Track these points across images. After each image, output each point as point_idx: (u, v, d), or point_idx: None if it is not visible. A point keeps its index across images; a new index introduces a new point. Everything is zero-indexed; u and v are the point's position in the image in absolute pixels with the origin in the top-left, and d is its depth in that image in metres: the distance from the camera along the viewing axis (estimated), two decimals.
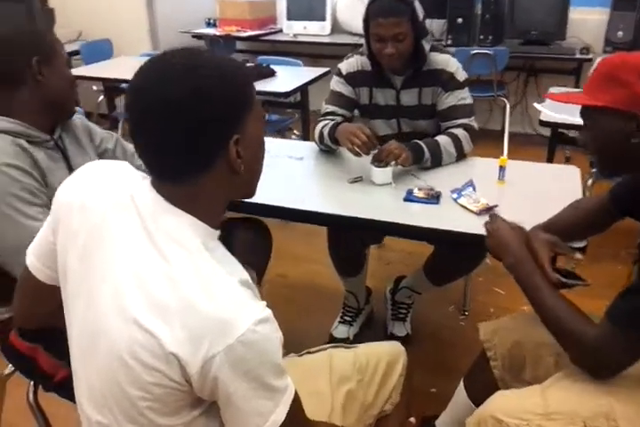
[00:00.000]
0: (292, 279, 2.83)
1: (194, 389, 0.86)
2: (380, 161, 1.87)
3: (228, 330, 0.82)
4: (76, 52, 4.46)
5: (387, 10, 1.90)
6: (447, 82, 2.06)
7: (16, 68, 1.40)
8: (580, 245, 1.50)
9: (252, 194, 1.02)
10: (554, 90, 2.94)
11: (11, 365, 1.58)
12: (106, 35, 4.66)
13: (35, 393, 1.60)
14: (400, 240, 2.71)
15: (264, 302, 0.89)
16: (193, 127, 0.85)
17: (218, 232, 0.96)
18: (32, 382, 1.58)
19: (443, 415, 1.68)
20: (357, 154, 1.88)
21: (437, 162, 2.00)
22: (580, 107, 1.23)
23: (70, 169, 1.51)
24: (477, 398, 1.43)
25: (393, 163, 1.86)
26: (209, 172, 0.89)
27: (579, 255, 1.44)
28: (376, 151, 1.89)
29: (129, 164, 1.02)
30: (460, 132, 2.05)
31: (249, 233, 1.89)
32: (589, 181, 2.76)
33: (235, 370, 0.83)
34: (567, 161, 3.62)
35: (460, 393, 1.62)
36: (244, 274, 0.92)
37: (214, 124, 0.87)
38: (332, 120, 2.12)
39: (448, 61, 2.07)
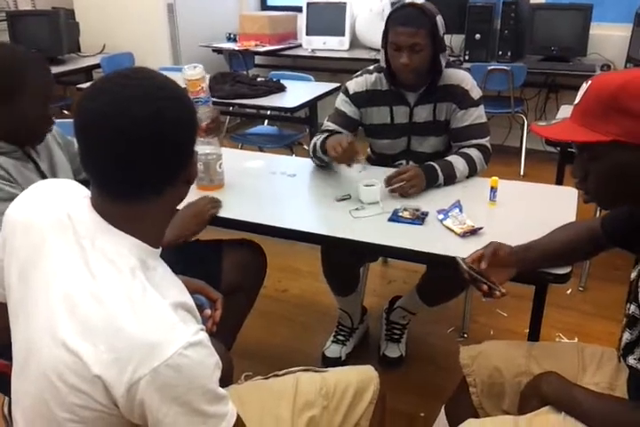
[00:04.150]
0: (293, 295, 2.80)
1: (122, 412, 0.85)
2: (389, 183, 1.85)
3: (154, 353, 0.81)
4: (98, 65, 4.56)
5: (407, 18, 1.89)
6: (462, 99, 2.02)
7: None
8: (564, 271, 1.44)
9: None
10: (564, 109, 2.87)
11: None
12: (128, 48, 4.75)
13: (9, 406, 1.61)
14: None
15: (200, 326, 0.87)
16: (166, 147, 0.88)
17: (159, 250, 0.96)
18: (6, 398, 1.59)
19: None
20: (341, 162, 1.86)
21: (450, 184, 1.96)
22: None
23: (42, 176, 1.57)
24: (457, 424, 1.38)
25: (380, 184, 1.84)
26: (173, 185, 0.92)
27: (497, 293, 1.37)
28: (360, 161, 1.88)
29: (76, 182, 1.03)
30: (473, 152, 2.01)
31: (240, 254, 1.88)
32: None
33: (162, 395, 0.82)
34: None
35: (441, 419, 1.57)
36: (181, 296, 0.90)
37: (185, 140, 0.91)
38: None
39: (464, 78, 2.04)
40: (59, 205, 0.95)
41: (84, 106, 0.88)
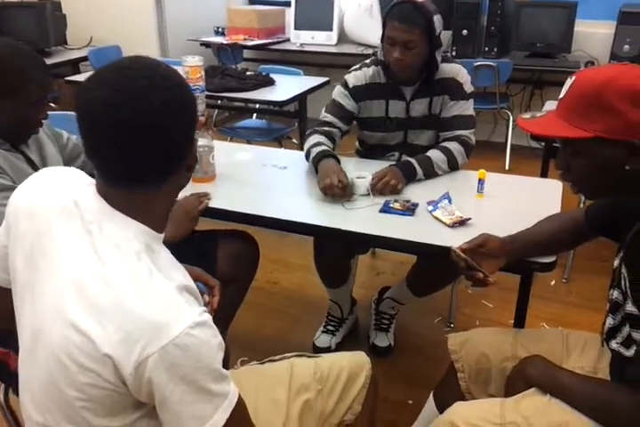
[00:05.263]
0: (284, 288, 2.84)
1: (130, 391, 0.88)
2: (375, 190, 1.85)
3: (162, 332, 0.84)
4: (86, 58, 4.54)
5: (403, 15, 1.91)
6: (455, 91, 2.06)
7: None
8: (550, 260, 1.49)
9: None
10: (549, 104, 2.93)
11: None
12: (115, 41, 4.73)
13: (5, 394, 1.62)
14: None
15: (203, 308, 0.90)
16: (171, 136, 0.90)
17: (162, 236, 0.99)
18: (3, 385, 1.61)
19: None
20: (326, 195, 1.84)
21: (431, 177, 2.00)
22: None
23: (32, 165, 1.61)
24: (445, 408, 1.42)
25: (371, 176, 1.88)
26: (176, 173, 0.95)
27: (490, 280, 1.42)
28: (371, 179, 1.87)
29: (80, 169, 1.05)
30: (454, 146, 2.04)
31: (234, 244, 1.91)
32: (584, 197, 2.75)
33: (169, 373, 0.85)
34: None
35: (429, 404, 1.62)
36: (184, 280, 0.93)
37: (187, 127, 0.94)
38: (327, 134, 2.11)
39: (459, 71, 2.08)
40: (64, 192, 0.98)
41: (87, 97, 0.89)
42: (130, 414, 0.92)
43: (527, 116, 1.21)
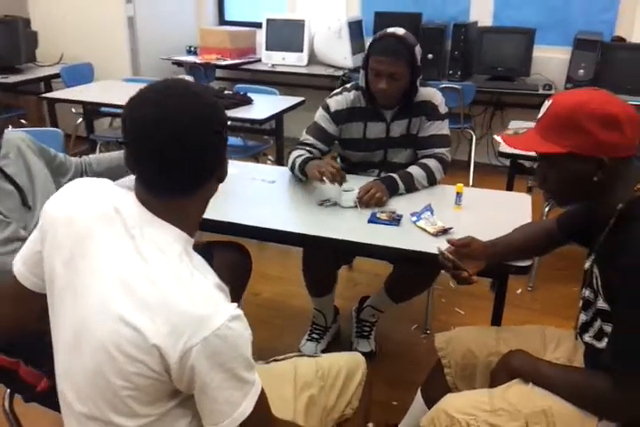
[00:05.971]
0: (265, 299, 2.92)
1: (172, 379, 0.97)
2: (362, 202, 1.98)
3: (205, 325, 0.94)
4: (57, 75, 4.56)
5: (387, 50, 2.04)
6: (431, 112, 2.20)
7: None
8: (525, 264, 1.64)
9: None
10: (513, 124, 3.13)
11: None
12: (87, 58, 4.77)
13: (10, 401, 1.66)
14: (368, 262, 2.85)
15: (235, 304, 1.01)
16: (206, 150, 1.01)
17: (193, 240, 1.08)
18: (8, 391, 1.64)
19: (402, 423, 1.79)
20: (322, 180, 1.96)
21: (412, 191, 2.14)
22: None
23: (9, 180, 1.70)
24: (433, 403, 1.52)
25: (357, 189, 2.01)
26: (207, 183, 1.06)
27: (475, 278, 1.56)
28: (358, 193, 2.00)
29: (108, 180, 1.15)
30: (432, 163, 2.18)
31: (229, 255, 2.00)
32: (546, 209, 2.93)
33: (210, 361, 0.94)
34: (529, 191, 3.76)
35: (418, 400, 1.73)
36: (216, 279, 1.04)
37: (220, 142, 1.04)
38: (308, 152, 2.21)
39: (435, 94, 2.23)
40: (102, 200, 1.06)
41: (132, 115, 1.00)
42: (165, 403, 1.01)
43: (510, 132, 1.36)
